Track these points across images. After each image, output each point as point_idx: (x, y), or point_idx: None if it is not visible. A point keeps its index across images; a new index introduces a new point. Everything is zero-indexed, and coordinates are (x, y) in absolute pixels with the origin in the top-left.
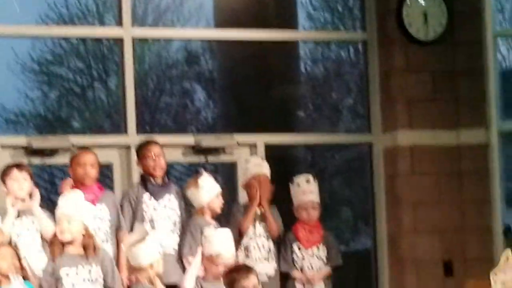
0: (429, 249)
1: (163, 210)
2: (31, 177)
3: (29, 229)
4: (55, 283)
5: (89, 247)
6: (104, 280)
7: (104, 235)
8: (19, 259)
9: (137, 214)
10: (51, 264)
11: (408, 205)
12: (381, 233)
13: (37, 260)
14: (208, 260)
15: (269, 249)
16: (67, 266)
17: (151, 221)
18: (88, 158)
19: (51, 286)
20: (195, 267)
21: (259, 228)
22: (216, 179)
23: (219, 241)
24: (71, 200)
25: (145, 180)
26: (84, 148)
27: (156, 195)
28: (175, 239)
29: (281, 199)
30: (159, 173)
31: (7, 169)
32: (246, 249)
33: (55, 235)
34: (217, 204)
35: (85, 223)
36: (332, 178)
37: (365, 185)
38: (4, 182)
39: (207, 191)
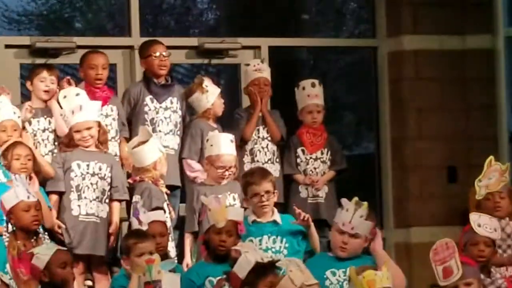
0: (433, 155)
1: (164, 112)
2: (58, 81)
3: (46, 130)
4: (64, 173)
5: (103, 143)
6: (111, 184)
7: (115, 133)
8: (33, 158)
9: (138, 115)
10: (64, 155)
11: (412, 111)
12: (384, 138)
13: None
14: (209, 162)
15: (273, 152)
16: (79, 160)
17: (152, 123)
18: (100, 60)
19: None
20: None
21: (263, 131)
22: (219, 82)
23: (219, 143)
24: (85, 108)
25: (148, 80)
26: (95, 50)
27: (158, 97)
28: (176, 140)
29: (285, 103)
30: (163, 72)
31: (37, 69)
32: (252, 153)
33: (71, 135)
34: (219, 107)
35: (100, 121)
36: (336, 82)
37: (369, 90)
38: (31, 81)
39: (211, 94)
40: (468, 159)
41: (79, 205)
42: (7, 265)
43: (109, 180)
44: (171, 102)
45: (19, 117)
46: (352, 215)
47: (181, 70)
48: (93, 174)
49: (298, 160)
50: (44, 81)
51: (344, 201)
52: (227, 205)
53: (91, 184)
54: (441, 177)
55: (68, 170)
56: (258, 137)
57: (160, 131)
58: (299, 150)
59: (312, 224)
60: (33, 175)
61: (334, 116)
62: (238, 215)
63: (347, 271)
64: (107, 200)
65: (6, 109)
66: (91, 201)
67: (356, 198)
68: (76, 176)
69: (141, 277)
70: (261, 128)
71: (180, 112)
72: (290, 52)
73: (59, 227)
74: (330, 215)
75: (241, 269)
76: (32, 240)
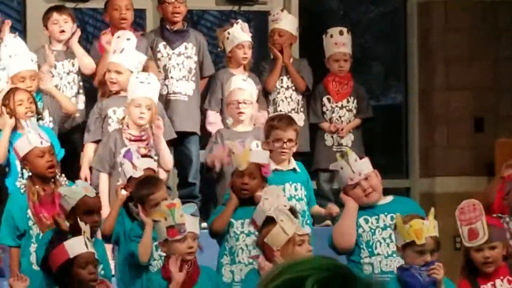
0: (461, 105)
1: (177, 58)
2: (72, 19)
3: (70, 72)
4: (101, 121)
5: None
6: None
7: None
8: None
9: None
10: (100, 104)
11: (441, 61)
12: (412, 89)
13: (77, 101)
14: (230, 104)
15: (298, 101)
16: (115, 106)
17: (165, 69)
18: (123, 1)
19: (97, 123)
20: None
21: (287, 81)
22: (248, 29)
23: (232, 80)
24: (126, 53)
25: (162, 27)
26: None
27: (171, 43)
28: (191, 86)
29: (315, 53)
30: (176, 19)
31: (47, 13)
32: (274, 103)
33: (103, 79)
34: (245, 54)
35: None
36: (365, 32)
37: (398, 40)
38: (46, 27)
39: (231, 41)
40: (496, 110)
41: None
42: (29, 211)
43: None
44: (185, 48)
45: (36, 62)
46: (350, 167)
47: (210, 17)
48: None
49: (324, 109)
50: (57, 22)
51: (333, 165)
52: (250, 149)
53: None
54: (468, 127)
55: (106, 117)
56: (281, 86)
57: (172, 77)
58: (325, 99)
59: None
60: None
61: (362, 66)
62: (262, 158)
63: (380, 218)
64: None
65: (25, 56)
66: None
67: (338, 154)
68: (113, 122)
69: (163, 222)
70: (285, 78)
71: (195, 58)
72: (321, 1)
73: (86, 179)
74: None
75: (259, 216)
76: (51, 183)
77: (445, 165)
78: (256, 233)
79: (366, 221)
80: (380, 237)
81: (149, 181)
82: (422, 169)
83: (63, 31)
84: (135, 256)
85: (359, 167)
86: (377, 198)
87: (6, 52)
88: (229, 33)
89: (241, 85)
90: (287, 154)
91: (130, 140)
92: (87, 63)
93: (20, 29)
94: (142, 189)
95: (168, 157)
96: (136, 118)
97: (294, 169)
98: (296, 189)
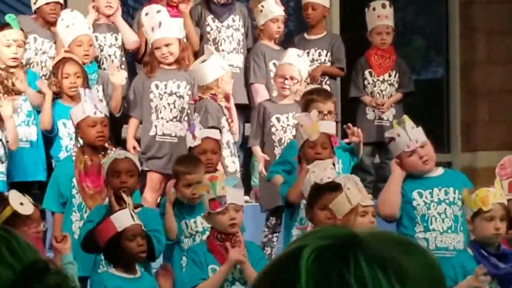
0: (503, 79)
1: (226, 31)
2: None
3: (112, 45)
4: (143, 94)
5: (184, 60)
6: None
7: None
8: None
9: (201, 35)
10: (143, 77)
11: (482, 34)
12: (454, 63)
13: (118, 75)
14: (278, 77)
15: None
16: (158, 80)
17: (215, 42)
18: None
19: (139, 96)
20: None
21: (313, 53)
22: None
23: (285, 53)
24: (164, 24)
25: (208, 0)
26: None
27: (219, 16)
28: (240, 58)
29: (356, 27)
30: None
31: None
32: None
33: (152, 55)
34: (279, 28)
35: (181, 38)
36: (407, 6)
37: (439, 13)
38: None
39: (264, 15)
40: None
41: (155, 125)
42: (74, 180)
43: (187, 98)
44: (233, 20)
45: (93, 32)
46: (407, 133)
47: None
48: (170, 94)
49: (366, 82)
50: None
51: (389, 132)
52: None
53: (168, 104)
54: (510, 101)
55: (147, 91)
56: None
57: (223, 50)
58: (366, 72)
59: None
60: None
61: (403, 40)
62: (330, 128)
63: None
64: (186, 119)
65: (81, 24)
66: (167, 122)
67: (395, 120)
68: (154, 97)
69: (206, 195)
70: (312, 50)
71: (242, 30)
72: None
73: (134, 148)
74: None
75: (305, 188)
76: (100, 155)
77: (486, 140)
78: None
79: (420, 194)
80: (435, 211)
81: (190, 160)
82: (463, 143)
83: (110, 6)
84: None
85: (416, 135)
86: (433, 167)
87: (62, 24)
88: (263, 6)
89: (293, 60)
90: None
91: (227, 108)
92: (132, 39)
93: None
94: (180, 166)
95: (237, 120)
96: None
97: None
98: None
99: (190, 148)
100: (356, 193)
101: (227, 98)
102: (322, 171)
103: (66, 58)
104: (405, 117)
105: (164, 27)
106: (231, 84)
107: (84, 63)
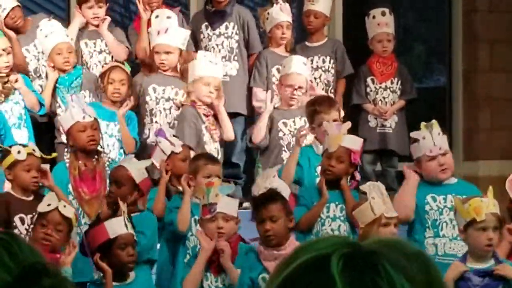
0: (505, 87)
1: (217, 39)
2: (105, 4)
3: (102, 51)
4: (139, 95)
5: (186, 72)
6: None
7: None
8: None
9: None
10: (142, 77)
11: (485, 42)
12: (456, 70)
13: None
14: (280, 83)
15: (328, 83)
16: (155, 84)
17: (206, 50)
18: None
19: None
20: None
21: (317, 60)
22: (288, 9)
23: (291, 62)
24: (170, 32)
25: (205, 7)
26: None
27: (212, 24)
28: (232, 66)
29: (357, 33)
30: None
31: None
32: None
33: (152, 57)
34: (283, 35)
35: (183, 49)
36: (408, 13)
37: (441, 21)
38: (80, 7)
39: (270, 22)
40: None
41: (149, 129)
42: (69, 186)
43: None
44: (226, 28)
45: (72, 39)
46: (432, 138)
47: None
48: (167, 99)
49: (368, 90)
50: (92, 7)
51: (415, 133)
52: (345, 133)
53: (164, 109)
54: None
55: (144, 93)
56: (311, 67)
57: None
58: (369, 80)
59: None
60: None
61: (405, 47)
62: (355, 143)
63: (448, 198)
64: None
65: (59, 32)
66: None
67: (424, 123)
68: (151, 100)
69: (201, 200)
70: (315, 57)
71: (236, 37)
72: None
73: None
74: (398, 145)
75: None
76: (93, 160)
77: (488, 148)
78: (342, 217)
79: (434, 199)
80: (448, 217)
81: (208, 155)
82: (465, 152)
83: (97, 17)
84: (173, 224)
85: (441, 142)
86: (449, 177)
87: (42, 34)
88: (268, 13)
89: (300, 69)
90: None
91: (206, 115)
92: (119, 50)
93: (64, 16)
94: (200, 160)
95: (229, 125)
96: (203, 96)
97: None
98: None
99: (171, 154)
100: (380, 204)
101: (210, 106)
102: (264, 180)
103: (114, 66)
104: (434, 122)
105: (169, 34)
106: (215, 93)
107: (65, 70)
